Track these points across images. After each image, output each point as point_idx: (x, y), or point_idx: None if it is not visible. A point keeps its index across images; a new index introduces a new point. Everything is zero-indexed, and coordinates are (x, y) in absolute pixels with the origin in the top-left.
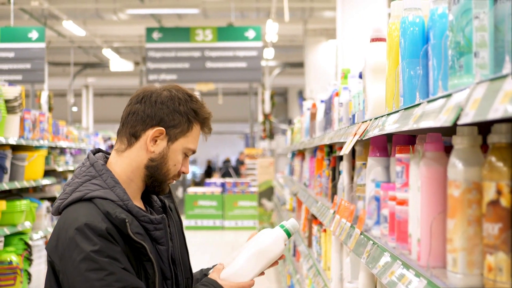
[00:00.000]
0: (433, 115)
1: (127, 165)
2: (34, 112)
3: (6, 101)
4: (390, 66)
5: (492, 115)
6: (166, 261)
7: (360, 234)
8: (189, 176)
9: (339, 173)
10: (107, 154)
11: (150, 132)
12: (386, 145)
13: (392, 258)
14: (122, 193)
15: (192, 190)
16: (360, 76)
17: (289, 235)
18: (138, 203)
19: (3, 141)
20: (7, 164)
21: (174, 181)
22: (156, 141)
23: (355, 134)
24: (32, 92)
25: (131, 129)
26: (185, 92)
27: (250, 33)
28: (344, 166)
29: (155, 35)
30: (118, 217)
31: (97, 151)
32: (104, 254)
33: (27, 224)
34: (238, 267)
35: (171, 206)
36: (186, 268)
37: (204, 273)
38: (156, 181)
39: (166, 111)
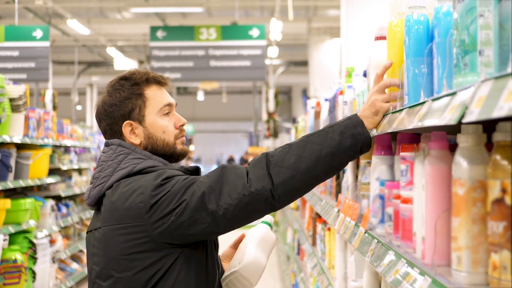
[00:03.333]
0: (437, 114)
1: None
2: (39, 111)
3: (11, 100)
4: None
5: (497, 113)
6: None
7: (365, 232)
8: None
9: (343, 171)
10: None
11: (124, 132)
12: (391, 143)
13: (397, 256)
14: (161, 160)
15: None
16: (365, 75)
17: (271, 227)
18: None
19: (8, 139)
20: (12, 162)
21: (184, 137)
22: (134, 132)
23: None
24: (37, 90)
25: (114, 141)
26: (118, 79)
27: (254, 32)
28: (348, 164)
29: (159, 33)
30: (191, 166)
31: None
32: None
33: (32, 222)
34: (254, 256)
35: None
36: None
37: None
38: (164, 155)
39: (117, 108)
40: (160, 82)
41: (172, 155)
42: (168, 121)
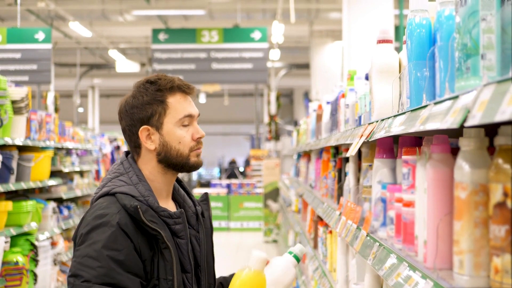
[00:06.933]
0: (440, 117)
1: (145, 170)
2: (41, 113)
3: (13, 102)
4: None
5: (500, 117)
6: (186, 254)
7: (366, 235)
8: (194, 177)
9: (345, 174)
10: None
11: (140, 136)
12: (393, 146)
13: (399, 259)
14: (144, 190)
15: (197, 191)
16: (367, 78)
17: (298, 260)
18: (165, 203)
19: (10, 141)
20: (14, 165)
21: (200, 149)
22: (150, 138)
23: (362, 135)
24: (39, 93)
25: (131, 143)
26: (144, 82)
27: (256, 34)
28: (350, 167)
29: (161, 36)
30: (132, 205)
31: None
32: (109, 247)
33: (33, 224)
34: None
35: (204, 214)
36: (210, 275)
37: (221, 281)
38: (177, 165)
39: (137, 111)
40: (184, 91)
41: (184, 166)
42: (186, 132)
